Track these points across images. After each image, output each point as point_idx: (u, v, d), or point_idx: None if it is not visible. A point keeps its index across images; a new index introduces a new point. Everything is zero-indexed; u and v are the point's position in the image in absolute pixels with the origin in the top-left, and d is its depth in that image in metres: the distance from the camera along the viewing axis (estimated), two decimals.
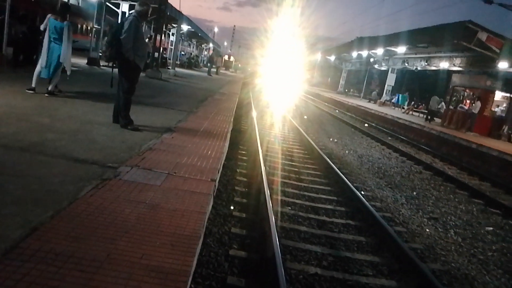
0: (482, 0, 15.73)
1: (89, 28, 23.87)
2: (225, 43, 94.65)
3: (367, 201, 6.21)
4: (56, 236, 2.41)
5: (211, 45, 51.14)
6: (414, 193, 8.00)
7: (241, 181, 6.52)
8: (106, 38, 5.89)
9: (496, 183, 10.15)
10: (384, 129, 18.88)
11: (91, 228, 2.60)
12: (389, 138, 16.44)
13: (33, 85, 7.35)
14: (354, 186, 6.92)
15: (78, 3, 25.16)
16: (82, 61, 16.59)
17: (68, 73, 7.70)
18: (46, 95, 7.31)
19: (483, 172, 11.35)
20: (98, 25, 17.72)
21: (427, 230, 5.96)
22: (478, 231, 6.33)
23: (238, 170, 7.10)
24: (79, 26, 23.84)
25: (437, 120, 22.41)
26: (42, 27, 7.43)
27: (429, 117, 21.96)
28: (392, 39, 25.84)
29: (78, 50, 17.71)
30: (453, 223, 6.49)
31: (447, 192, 8.59)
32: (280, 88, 35.15)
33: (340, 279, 3.91)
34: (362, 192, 7.02)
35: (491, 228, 6.57)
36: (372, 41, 29.41)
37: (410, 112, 26.44)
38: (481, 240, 5.94)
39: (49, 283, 1.97)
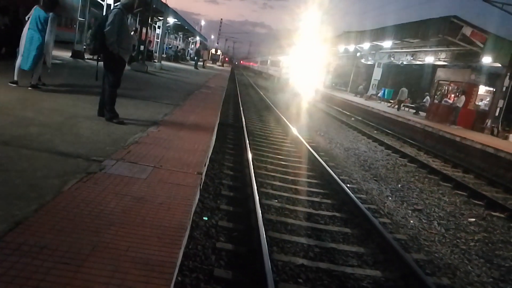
0: None
1: (73, 20, 23.46)
2: (212, 37, 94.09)
3: (352, 193, 6.29)
4: (40, 230, 2.40)
5: (198, 38, 50.79)
6: (399, 185, 8.11)
7: (228, 175, 6.54)
8: (90, 31, 5.79)
9: (479, 175, 10.34)
10: (370, 123, 19.03)
11: (76, 222, 2.58)
12: (375, 131, 16.59)
13: (15, 78, 7.21)
14: (340, 179, 6.99)
15: None
16: (66, 54, 16.31)
17: (49, 65, 7.49)
18: (29, 88, 7.18)
19: (467, 165, 11.55)
20: (83, 18, 17.40)
21: (411, 221, 6.06)
22: (460, 222, 6.46)
23: (225, 164, 7.11)
24: (63, 18, 23.39)
25: (422, 113, 22.68)
26: (27, 17, 7.24)
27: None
28: (378, 34, 25.97)
29: (62, 43, 17.40)
30: (437, 215, 6.61)
31: (431, 184, 8.73)
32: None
33: (325, 269, 3.97)
34: (348, 185, 7.10)
35: (474, 219, 6.71)
36: (359, 36, 29.52)
37: (396, 106, 26.67)
38: (463, 231, 6.07)
39: (34, 277, 1.96)
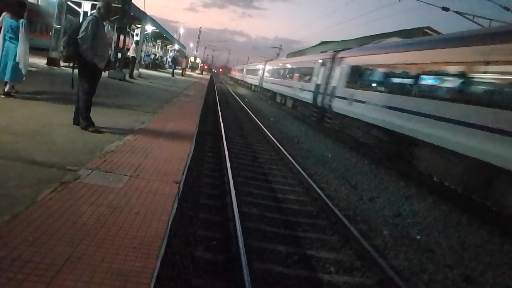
0: (440, 7, 16.45)
1: (48, 27, 23.05)
2: (191, 45, 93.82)
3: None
4: (12, 241, 2.34)
5: (176, 46, 50.55)
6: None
7: (207, 183, 6.53)
8: (64, 38, 5.68)
9: None
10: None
11: (50, 232, 2.53)
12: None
13: None
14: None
15: (38, 1, 24.25)
16: (42, 61, 15.98)
17: (23, 72, 7.30)
18: (2, 96, 7.00)
19: None
20: (59, 24, 17.08)
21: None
22: None
23: (203, 172, 7.09)
24: (39, 25, 23.00)
25: None
26: None
27: None
28: (355, 43, 26.51)
29: (37, 50, 17.05)
30: None
31: None
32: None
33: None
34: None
35: None
36: (336, 45, 30.07)
37: None
38: None
39: None
